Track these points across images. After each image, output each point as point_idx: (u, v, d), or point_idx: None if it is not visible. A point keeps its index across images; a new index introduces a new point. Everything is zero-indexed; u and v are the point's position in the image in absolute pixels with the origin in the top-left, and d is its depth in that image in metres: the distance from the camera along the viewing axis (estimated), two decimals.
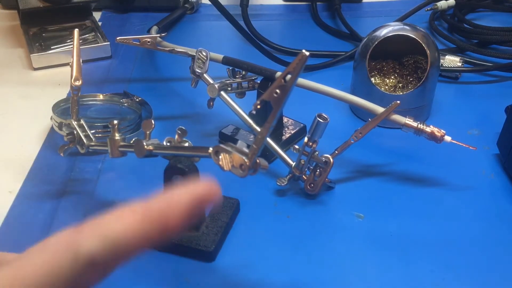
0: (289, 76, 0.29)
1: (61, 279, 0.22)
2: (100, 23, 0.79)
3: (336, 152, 0.46)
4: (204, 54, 0.53)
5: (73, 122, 0.47)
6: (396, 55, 0.60)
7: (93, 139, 0.47)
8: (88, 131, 0.47)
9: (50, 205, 0.46)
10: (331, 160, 0.45)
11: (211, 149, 0.34)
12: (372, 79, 0.58)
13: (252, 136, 0.53)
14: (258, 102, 0.32)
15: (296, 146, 0.46)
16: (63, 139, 0.48)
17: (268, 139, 0.48)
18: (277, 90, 0.30)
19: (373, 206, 0.47)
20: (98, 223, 0.23)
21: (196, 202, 0.25)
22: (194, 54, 0.54)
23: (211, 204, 0.25)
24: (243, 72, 0.53)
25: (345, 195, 0.48)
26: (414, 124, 0.47)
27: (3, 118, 0.60)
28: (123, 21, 0.83)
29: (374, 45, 0.56)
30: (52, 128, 0.55)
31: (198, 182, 0.25)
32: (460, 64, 0.66)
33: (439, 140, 0.46)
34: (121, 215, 0.24)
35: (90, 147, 0.46)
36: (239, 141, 0.34)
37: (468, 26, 0.76)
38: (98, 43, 0.72)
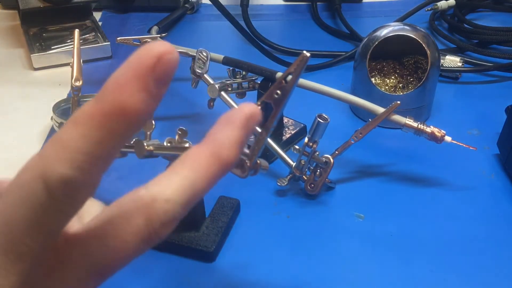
0: (289, 77, 0.29)
1: (38, 213, 0.21)
2: (100, 23, 0.79)
3: (337, 152, 0.46)
4: (205, 54, 0.53)
5: None
6: (396, 55, 0.60)
7: None
8: None
9: None
10: (332, 160, 0.45)
11: None
12: (372, 79, 0.58)
13: (252, 137, 0.53)
14: (259, 103, 0.32)
15: (297, 147, 0.46)
16: None
17: (269, 140, 0.48)
18: (278, 91, 0.30)
19: (373, 206, 0.47)
20: (59, 143, 0.20)
21: (147, 66, 0.20)
22: (195, 54, 0.54)
23: (168, 62, 0.21)
24: (244, 73, 0.53)
25: (345, 195, 0.48)
26: (414, 124, 0.47)
27: (3, 118, 0.60)
28: (123, 21, 0.83)
29: (374, 45, 0.56)
30: (52, 128, 0.55)
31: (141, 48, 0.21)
32: (460, 64, 0.66)
33: (439, 140, 0.46)
34: (76, 126, 0.20)
35: None
36: None
37: (468, 26, 0.76)
38: (99, 43, 0.72)
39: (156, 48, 0.21)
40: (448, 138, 0.46)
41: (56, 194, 0.20)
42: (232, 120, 0.24)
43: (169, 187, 0.23)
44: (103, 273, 0.24)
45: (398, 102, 0.45)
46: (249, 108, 0.24)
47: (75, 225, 0.24)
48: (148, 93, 0.21)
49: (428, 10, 0.79)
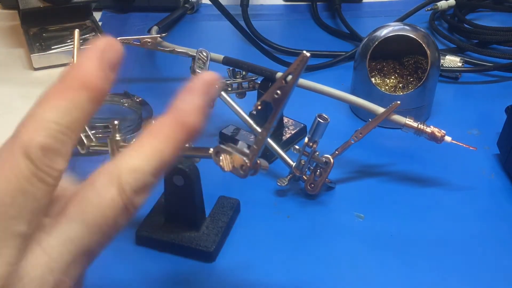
0: (290, 77, 0.29)
1: (24, 185, 0.22)
2: (100, 23, 0.79)
3: (337, 152, 0.46)
4: (205, 54, 0.53)
5: None
6: (397, 55, 0.60)
7: (94, 140, 0.47)
8: (89, 132, 0.47)
9: None
10: (332, 160, 0.45)
11: (211, 149, 0.34)
12: (372, 79, 0.58)
13: (252, 137, 0.53)
14: (259, 103, 0.32)
15: (297, 147, 0.46)
16: None
17: (269, 140, 0.48)
18: (278, 91, 0.30)
19: (373, 206, 0.47)
20: (33, 116, 0.23)
21: (99, 52, 0.24)
22: (195, 54, 0.54)
23: (113, 49, 0.25)
24: (244, 72, 0.53)
25: (345, 195, 0.48)
26: (415, 124, 0.47)
27: (3, 118, 0.60)
28: (123, 21, 0.83)
29: (374, 45, 0.56)
30: None
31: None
32: (460, 64, 0.66)
33: (439, 140, 0.46)
34: (47, 101, 0.24)
35: (91, 148, 0.46)
36: (240, 142, 0.34)
37: (468, 26, 0.76)
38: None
39: (104, 40, 0.25)
40: (448, 138, 0.46)
41: (38, 162, 0.22)
42: (192, 89, 0.26)
43: (137, 157, 0.24)
44: (87, 252, 0.24)
45: (398, 102, 0.45)
46: (208, 75, 0.26)
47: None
48: (104, 73, 0.24)
49: (428, 10, 0.79)
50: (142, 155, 0.24)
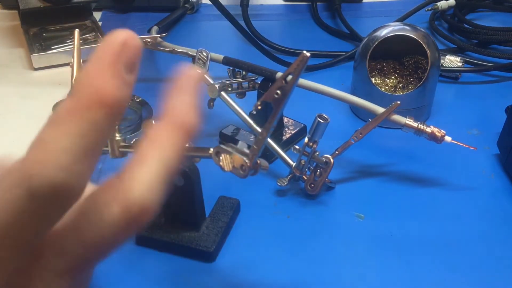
0: (290, 77, 0.29)
1: (21, 220, 0.20)
2: (100, 23, 0.79)
3: (337, 152, 0.46)
4: (205, 54, 0.53)
5: None
6: (397, 55, 0.60)
7: None
8: None
9: None
10: (332, 160, 0.45)
11: (211, 149, 0.34)
12: (373, 79, 0.58)
13: (252, 137, 0.53)
14: (259, 103, 0.32)
15: (297, 147, 0.46)
16: None
17: (269, 140, 0.48)
18: (278, 91, 0.30)
19: (373, 206, 0.47)
20: (41, 145, 0.20)
21: (114, 54, 0.21)
22: (195, 54, 0.54)
23: (132, 47, 0.22)
24: (244, 72, 0.53)
25: (345, 195, 0.48)
26: (415, 124, 0.47)
27: (3, 118, 0.60)
28: (123, 21, 0.83)
29: (374, 45, 0.56)
30: None
31: None
32: (460, 64, 0.66)
33: (439, 140, 0.46)
34: (57, 125, 0.20)
35: None
36: (240, 142, 0.34)
37: (468, 26, 0.76)
38: (99, 43, 0.72)
39: (119, 35, 0.21)
40: (448, 138, 0.46)
41: (41, 200, 0.20)
42: (181, 87, 0.24)
43: (143, 171, 0.22)
44: (82, 268, 0.23)
45: (398, 102, 0.45)
46: (192, 70, 0.25)
47: None
48: (121, 80, 0.21)
49: (428, 10, 0.79)
50: (148, 168, 0.22)
